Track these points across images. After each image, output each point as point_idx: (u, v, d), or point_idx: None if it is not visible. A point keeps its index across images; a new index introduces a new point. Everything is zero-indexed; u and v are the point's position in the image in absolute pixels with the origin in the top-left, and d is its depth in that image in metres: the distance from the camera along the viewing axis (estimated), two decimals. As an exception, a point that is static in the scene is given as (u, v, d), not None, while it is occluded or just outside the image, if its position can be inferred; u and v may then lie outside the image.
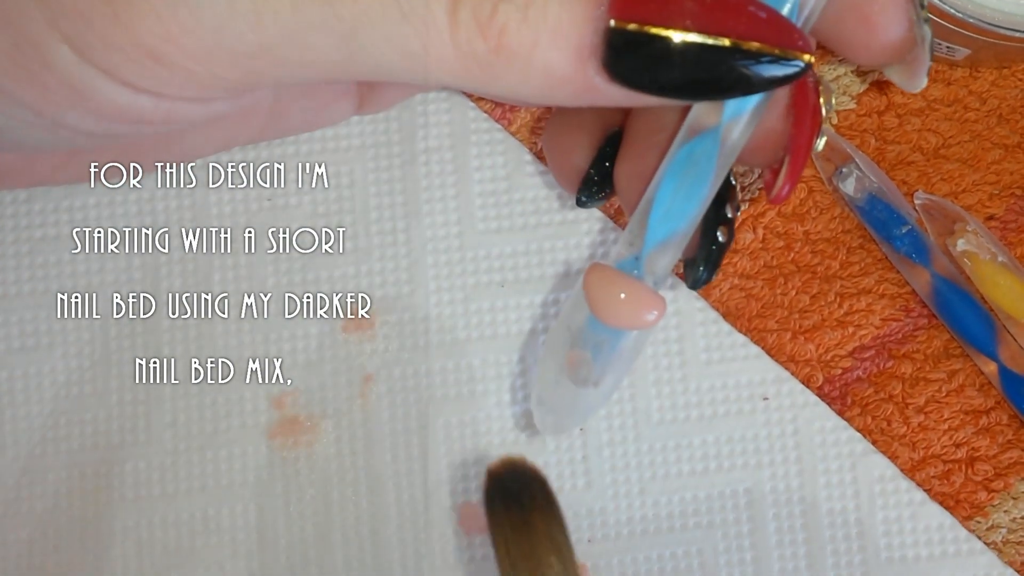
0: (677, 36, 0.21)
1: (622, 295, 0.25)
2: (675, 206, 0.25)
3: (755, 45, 0.22)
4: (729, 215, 0.27)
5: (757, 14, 0.22)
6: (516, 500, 0.26)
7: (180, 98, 0.24)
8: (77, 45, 0.22)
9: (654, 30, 0.21)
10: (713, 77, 0.22)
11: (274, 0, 0.21)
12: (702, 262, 0.27)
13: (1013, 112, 0.34)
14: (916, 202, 0.33)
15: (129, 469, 0.32)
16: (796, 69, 0.22)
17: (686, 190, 0.25)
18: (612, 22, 0.21)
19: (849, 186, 0.33)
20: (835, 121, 0.34)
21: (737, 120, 0.24)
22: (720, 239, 0.27)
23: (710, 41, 0.21)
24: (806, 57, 0.22)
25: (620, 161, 0.27)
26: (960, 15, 0.30)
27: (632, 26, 0.21)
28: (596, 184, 0.28)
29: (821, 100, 0.25)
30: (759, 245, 0.33)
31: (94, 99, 0.23)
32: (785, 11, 0.23)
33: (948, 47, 0.32)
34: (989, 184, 0.34)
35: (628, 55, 0.22)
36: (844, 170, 0.33)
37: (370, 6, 0.21)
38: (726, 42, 0.21)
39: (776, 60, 0.22)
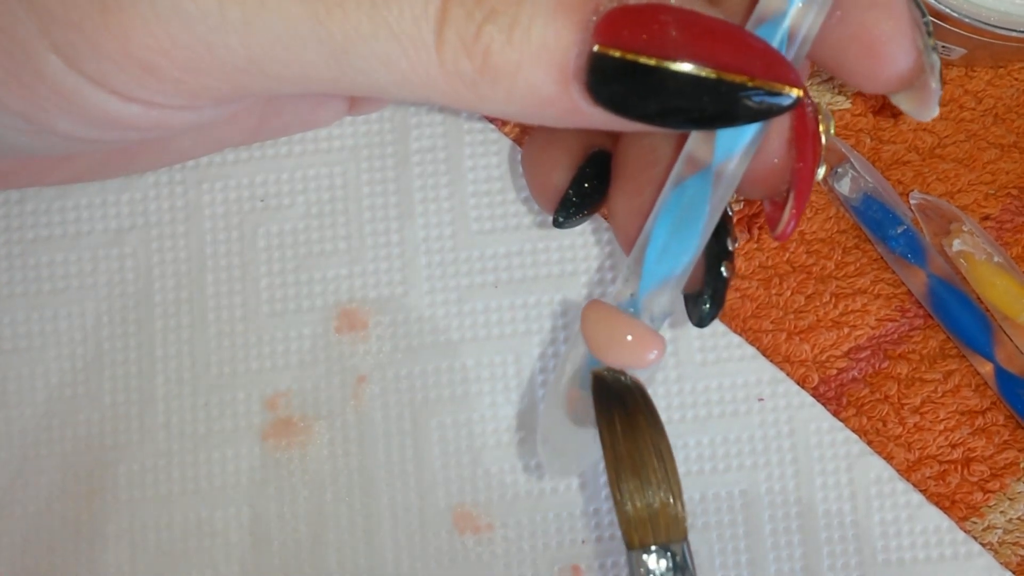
0: (662, 65, 0.21)
1: (621, 334, 0.25)
2: (671, 247, 0.24)
3: (741, 77, 0.21)
4: (730, 248, 0.26)
5: (745, 46, 0.22)
6: (621, 402, 0.25)
7: (170, 106, 0.24)
8: (68, 54, 0.22)
9: (639, 58, 0.21)
10: (697, 107, 0.21)
11: (265, 16, 0.21)
12: (708, 299, 0.26)
13: (1009, 112, 0.34)
14: (912, 202, 0.33)
15: (122, 471, 0.32)
16: (783, 103, 0.22)
17: (681, 231, 0.24)
18: (596, 47, 0.21)
19: (844, 186, 0.33)
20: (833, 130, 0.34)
21: (729, 159, 0.23)
22: (724, 274, 0.26)
23: (695, 72, 0.21)
24: (794, 91, 0.21)
25: (615, 196, 0.27)
26: (956, 15, 0.30)
27: (616, 52, 0.21)
28: (574, 205, 0.28)
29: (821, 128, 0.24)
30: (754, 245, 0.33)
31: (84, 107, 0.23)
32: (776, 39, 0.23)
33: (944, 47, 0.32)
34: (985, 184, 0.34)
35: (612, 80, 0.21)
36: (839, 170, 0.33)
37: (360, 24, 0.22)
38: (711, 73, 0.21)
39: (763, 93, 0.21)
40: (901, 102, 0.25)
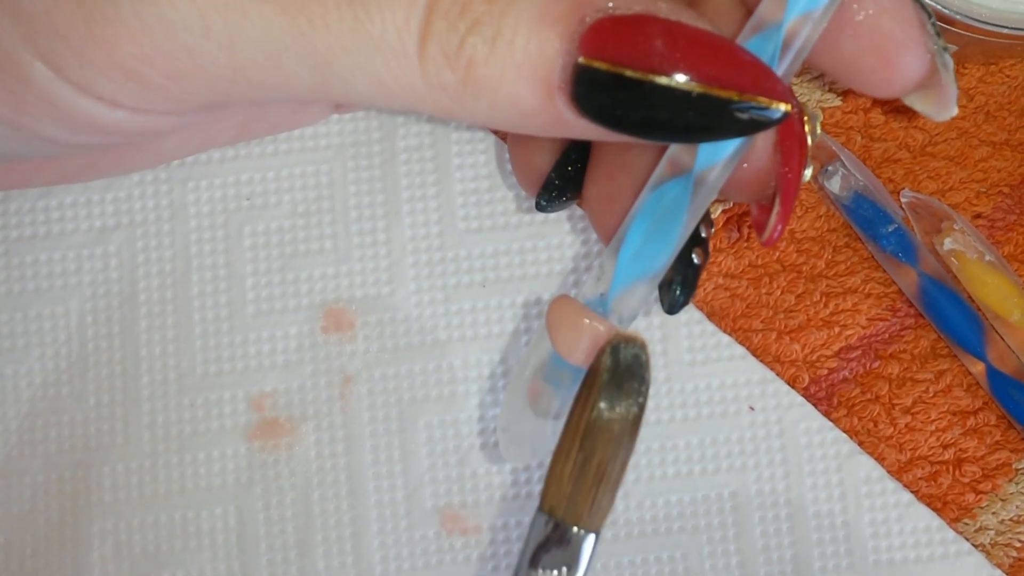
0: (647, 78, 0.21)
1: (582, 332, 0.24)
2: (645, 250, 0.24)
3: (728, 92, 0.21)
4: (703, 235, 0.26)
5: (733, 59, 0.21)
6: (638, 384, 0.24)
7: (156, 111, 0.24)
8: (53, 62, 0.22)
9: (624, 71, 0.21)
10: (683, 121, 0.21)
11: (248, 27, 0.21)
12: (678, 285, 0.26)
13: (1000, 109, 0.34)
14: (902, 200, 0.33)
15: (107, 472, 0.32)
16: (771, 117, 0.21)
17: (656, 235, 0.24)
18: (581, 59, 0.21)
19: (835, 184, 0.33)
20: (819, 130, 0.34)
21: (712, 167, 0.23)
22: (695, 261, 0.26)
23: (681, 86, 0.21)
24: (782, 106, 0.21)
25: (589, 182, 0.27)
26: (947, 11, 0.30)
27: (602, 65, 0.21)
28: (556, 188, 0.28)
29: (807, 129, 0.24)
30: (744, 244, 0.33)
31: (70, 113, 0.23)
32: (768, 54, 0.22)
33: (935, 44, 0.32)
34: (976, 182, 0.33)
35: (597, 92, 0.21)
36: (830, 168, 0.33)
37: (343, 37, 0.21)
38: (698, 88, 0.21)
39: (750, 107, 0.21)
40: (915, 103, 0.25)
